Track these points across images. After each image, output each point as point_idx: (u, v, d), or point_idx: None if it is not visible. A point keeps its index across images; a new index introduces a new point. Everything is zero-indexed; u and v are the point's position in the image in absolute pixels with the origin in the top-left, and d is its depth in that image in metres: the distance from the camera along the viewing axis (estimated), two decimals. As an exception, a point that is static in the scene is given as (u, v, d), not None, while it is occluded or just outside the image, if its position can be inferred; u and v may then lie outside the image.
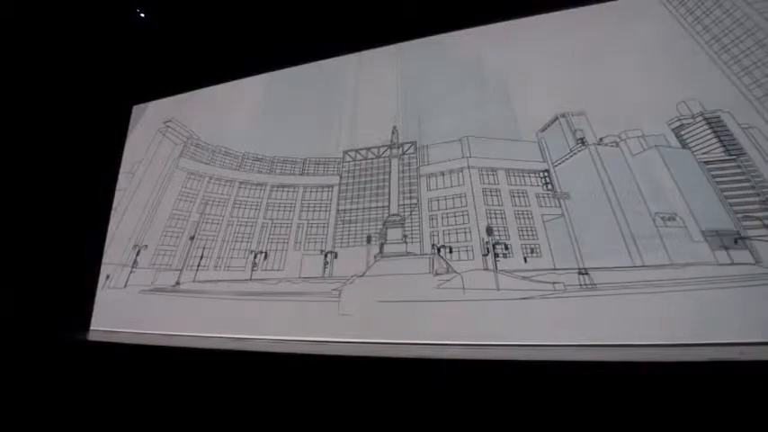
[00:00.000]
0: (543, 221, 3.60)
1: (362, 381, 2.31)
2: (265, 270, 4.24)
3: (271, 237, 4.43)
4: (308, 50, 3.59)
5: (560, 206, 3.58)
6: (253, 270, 4.28)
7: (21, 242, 3.24)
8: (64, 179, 3.51)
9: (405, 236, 3.86)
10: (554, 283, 3.23)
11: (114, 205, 4.26)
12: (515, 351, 2.67)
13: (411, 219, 3.92)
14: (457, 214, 3.83)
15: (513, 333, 3.06)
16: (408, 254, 3.76)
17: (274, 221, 4.51)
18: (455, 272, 3.54)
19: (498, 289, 3.34)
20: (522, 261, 3.45)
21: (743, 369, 1.64)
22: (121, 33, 3.50)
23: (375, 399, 2.21)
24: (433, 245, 3.74)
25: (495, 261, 3.49)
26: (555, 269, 3.33)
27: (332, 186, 4.44)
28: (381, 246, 3.90)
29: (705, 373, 1.66)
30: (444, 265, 3.58)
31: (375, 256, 3.85)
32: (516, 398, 1.91)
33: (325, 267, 4.00)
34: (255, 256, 4.32)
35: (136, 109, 4.64)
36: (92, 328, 3.39)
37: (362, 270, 3.83)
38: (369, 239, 3.97)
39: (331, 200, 4.38)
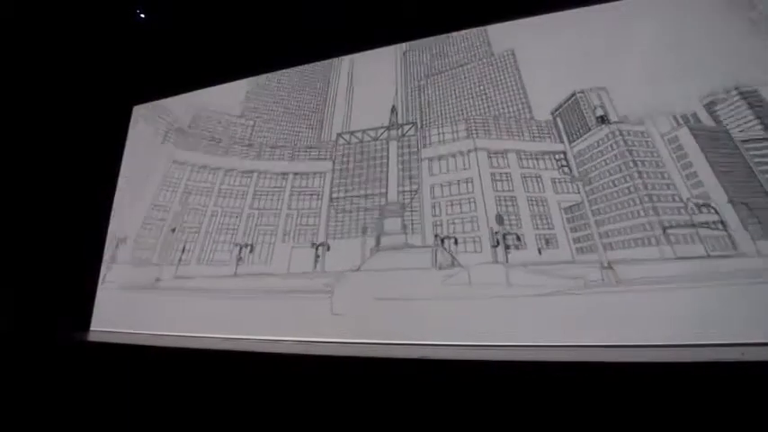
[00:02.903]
0: (560, 209, 3.19)
1: (355, 384, 2.20)
2: (251, 264, 3.91)
3: (257, 228, 4.08)
4: (308, 50, 3.55)
5: (579, 192, 3.18)
6: (237, 264, 3.96)
7: (20, 242, 3.27)
8: (63, 179, 3.52)
9: (404, 226, 3.50)
10: (573, 278, 2.87)
11: (114, 205, 4.14)
12: (524, 352, 2.47)
13: (411, 207, 3.56)
14: (463, 201, 3.44)
15: (525, 333, 2.75)
16: (408, 246, 3.42)
17: (261, 211, 4.15)
18: (461, 266, 3.18)
19: (509, 284, 2.98)
20: (537, 253, 3.08)
21: (743, 370, 1.61)
22: (121, 33, 3.52)
23: (371, 403, 2.12)
24: (436, 236, 3.37)
25: (506, 253, 3.12)
26: (574, 262, 2.98)
27: (324, 173, 4.09)
28: (378, 237, 3.55)
29: (705, 374, 1.64)
30: (449, 259, 3.23)
31: (371, 249, 3.51)
32: (518, 400, 1.86)
33: (316, 261, 3.67)
34: (240, 250, 3.99)
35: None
36: (91, 328, 3.36)
37: (357, 264, 3.49)
38: (364, 230, 3.61)
39: (323, 187, 4.02)
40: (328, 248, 3.67)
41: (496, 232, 3.21)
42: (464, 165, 3.60)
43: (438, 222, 3.44)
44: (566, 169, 3.31)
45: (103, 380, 2.59)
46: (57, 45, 3.48)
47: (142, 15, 3.42)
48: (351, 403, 2.13)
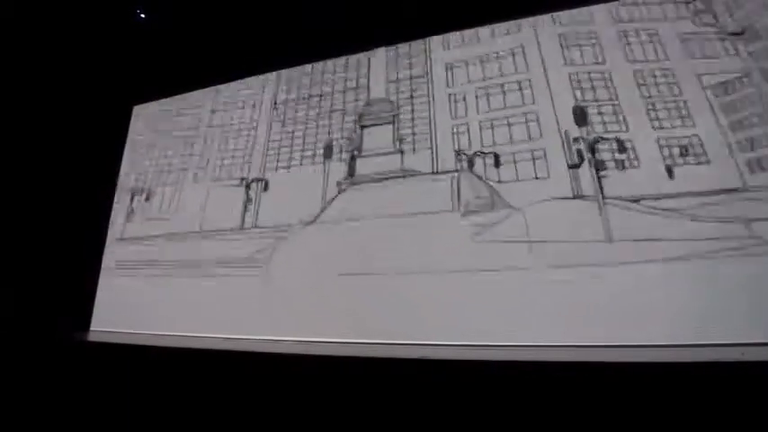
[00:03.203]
0: (703, 89, 1.85)
1: (355, 384, 2.01)
2: (146, 221, 2.83)
3: (158, 162, 2.97)
4: (308, 50, 3.07)
5: (738, 54, 1.85)
6: (127, 221, 2.91)
7: (20, 242, 3.27)
8: (64, 179, 3.45)
9: (399, 139, 2.27)
10: (746, 220, 1.61)
11: (115, 205, 3.56)
12: (524, 352, 1.85)
13: (412, 105, 2.32)
14: (508, 87, 2.14)
15: (643, 332, 1.64)
16: (407, 174, 2.21)
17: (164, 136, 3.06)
18: (508, 206, 1.95)
19: (610, 240, 1.74)
20: (664, 174, 1.79)
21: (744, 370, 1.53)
22: (121, 33, 3.50)
23: (371, 403, 1.96)
24: (458, 152, 2.12)
25: (599, 178, 1.85)
26: (745, 189, 1.66)
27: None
28: (352, 161, 2.34)
29: (705, 374, 1.54)
30: (484, 193, 2.00)
31: (339, 184, 2.31)
32: (518, 400, 1.75)
33: (245, 209, 2.47)
34: (132, 197, 2.94)
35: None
36: (91, 328, 3.11)
37: (313, 212, 2.29)
38: (328, 151, 2.40)
39: (265, 87, 2.80)
40: (266, 187, 2.46)
41: (576, 139, 1.93)
42: (506, 28, 2.28)
43: (461, 128, 2.16)
44: (706, 16, 1.95)
45: (103, 380, 2.57)
46: (57, 45, 3.53)
47: (142, 15, 3.42)
48: (351, 403, 2.00)
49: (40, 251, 3.28)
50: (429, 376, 1.91)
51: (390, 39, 2.80)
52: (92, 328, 3.11)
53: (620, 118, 1.89)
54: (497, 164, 2.02)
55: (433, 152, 2.18)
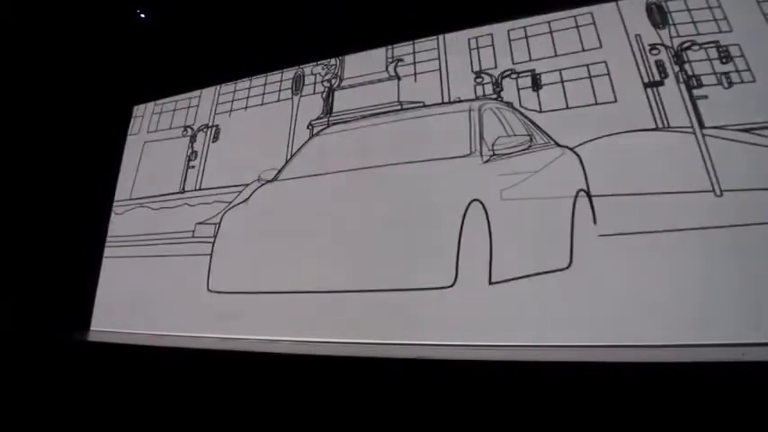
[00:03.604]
0: None
1: (354, 384, 1.92)
2: None
3: None
4: (308, 50, 2.77)
5: None
6: None
7: (21, 242, 3.17)
8: (64, 179, 3.31)
9: (394, 60, 1.78)
10: None
11: (114, 205, 3.45)
12: (524, 352, 1.81)
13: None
14: None
15: None
16: (408, 106, 1.66)
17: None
18: (554, 145, 1.42)
19: (718, 191, 1.27)
20: None
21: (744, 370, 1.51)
22: (121, 33, 3.43)
23: (370, 403, 1.86)
24: (478, 73, 1.56)
25: (694, 100, 1.33)
26: None
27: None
28: (329, 92, 1.85)
29: (705, 374, 1.49)
30: (518, 128, 1.45)
31: (311, 125, 1.78)
32: (518, 401, 1.66)
33: (187, 165, 1.96)
34: None
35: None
36: (91, 328, 2.97)
37: (278, 164, 1.75)
38: (297, 83, 1.93)
39: None
40: (217, 135, 1.96)
41: (654, 47, 1.39)
42: None
43: (482, 40, 1.62)
44: None
45: (103, 380, 2.46)
46: (57, 45, 3.47)
47: (142, 15, 3.30)
48: (350, 403, 1.90)
49: (41, 251, 3.21)
50: (428, 376, 1.86)
51: (392, 38, 2.48)
52: (92, 328, 3.04)
53: (718, 13, 1.39)
54: (536, 86, 1.49)
55: (442, 75, 1.66)
